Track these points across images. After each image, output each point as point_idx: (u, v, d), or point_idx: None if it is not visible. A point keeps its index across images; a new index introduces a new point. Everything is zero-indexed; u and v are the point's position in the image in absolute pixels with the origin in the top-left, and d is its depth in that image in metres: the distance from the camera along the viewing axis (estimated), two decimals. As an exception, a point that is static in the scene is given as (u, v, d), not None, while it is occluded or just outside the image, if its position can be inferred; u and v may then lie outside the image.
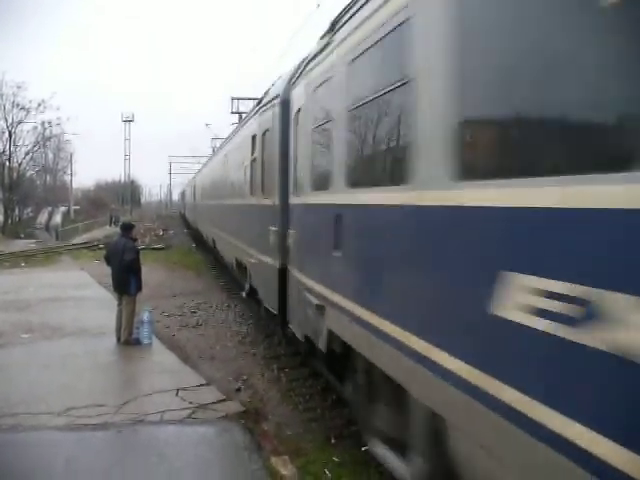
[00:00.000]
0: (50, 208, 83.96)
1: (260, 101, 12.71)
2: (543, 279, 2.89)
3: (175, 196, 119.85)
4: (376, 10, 5.15)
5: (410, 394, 4.52)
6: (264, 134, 11.60)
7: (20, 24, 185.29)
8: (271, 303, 10.60)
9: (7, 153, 66.67)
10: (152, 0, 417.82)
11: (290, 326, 9.33)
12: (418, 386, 4.39)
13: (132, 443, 7.04)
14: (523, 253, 3.08)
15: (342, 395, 7.84)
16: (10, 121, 65.96)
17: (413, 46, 4.41)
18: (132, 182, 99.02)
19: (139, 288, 11.75)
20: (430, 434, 4.30)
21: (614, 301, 2.43)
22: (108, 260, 11.95)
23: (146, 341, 11.45)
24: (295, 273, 8.68)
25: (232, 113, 40.49)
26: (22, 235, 62.24)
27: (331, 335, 6.70)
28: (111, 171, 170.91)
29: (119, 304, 11.72)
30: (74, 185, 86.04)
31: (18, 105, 65.03)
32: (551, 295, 2.82)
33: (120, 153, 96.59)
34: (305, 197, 8.02)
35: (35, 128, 68.90)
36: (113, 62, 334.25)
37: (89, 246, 37.65)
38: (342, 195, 6.22)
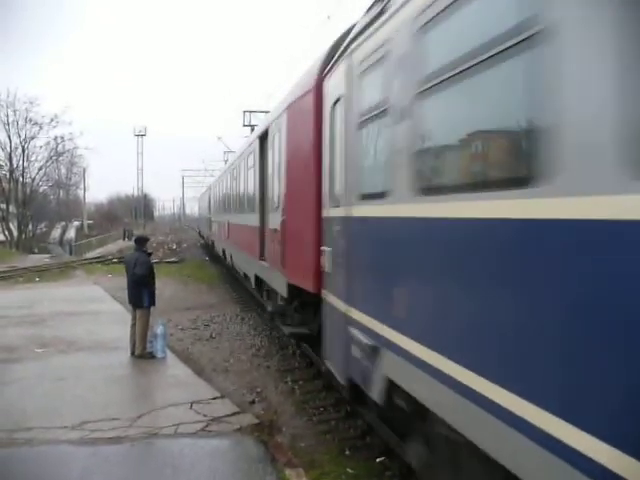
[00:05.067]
0: (64, 223, 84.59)
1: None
2: None
3: (189, 209, 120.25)
4: None
5: None
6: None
7: (31, 40, 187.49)
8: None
9: (20, 169, 67.23)
10: (164, 14, 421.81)
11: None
12: None
13: (146, 456, 7.05)
14: None
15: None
16: (23, 137, 66.50)
17: None
18: (145, 196, 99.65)
19: (152, 302, 11.78)
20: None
21: None
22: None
23: (160, 354, 11.46)
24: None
25: (244, 126, 40.69)
26: (36, 250, 62.71)
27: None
28: (124, 185, 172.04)
29: (133, 317, 11.76)
30: (87, 200, 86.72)
31: (31, 120, 65.49)
32: None
33: (133, 167, 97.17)
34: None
35: (48, 143, 69.41)
36: (125, 76, 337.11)
37: (102, 260, 37.82)
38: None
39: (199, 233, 52.67)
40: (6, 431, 7.53)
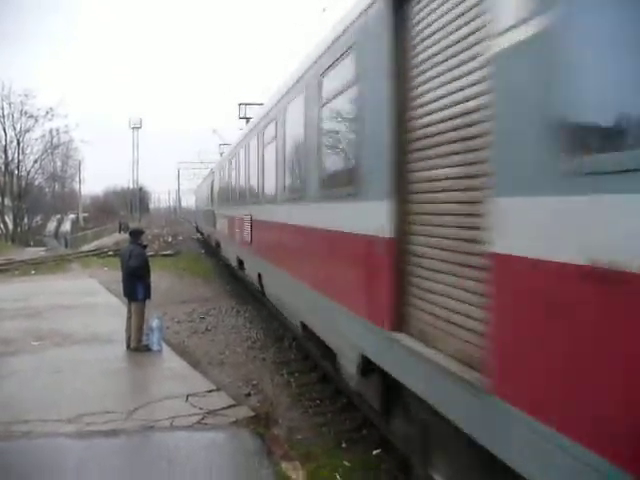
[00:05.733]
0: (59, 216, 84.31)
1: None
2: None
3: (185, 202, 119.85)
4: None
5: None
6: None
7: (27, 32, 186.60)
8: None
9: (16, 161, 67.10)
10: (160, 7, 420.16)
11: None
12: None
13: (142, 449, 7.06)
14: None
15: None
16: (18, 129, 66.36)
17: None
18: (140, 189, 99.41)
19: (147, 295, 11.74)
20: None
21: None
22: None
23: (156, 347, 11.45)
24: None
25: (240, 118, 40.67)
26: (31, 243, 62.65)
27: None
28: (120, 178, 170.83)
29: (128, 310, 11.76)
30: (83, 192, 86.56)
31: (26, 113, 65.38)
32: None
33: (128, 160, 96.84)
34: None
35: (43, 136, 69.31)
36: (121, 69, 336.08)
37: (98, 253, 37.75)
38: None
39: (196, 229, 51.01)
40: (3, 423, 7.53)
